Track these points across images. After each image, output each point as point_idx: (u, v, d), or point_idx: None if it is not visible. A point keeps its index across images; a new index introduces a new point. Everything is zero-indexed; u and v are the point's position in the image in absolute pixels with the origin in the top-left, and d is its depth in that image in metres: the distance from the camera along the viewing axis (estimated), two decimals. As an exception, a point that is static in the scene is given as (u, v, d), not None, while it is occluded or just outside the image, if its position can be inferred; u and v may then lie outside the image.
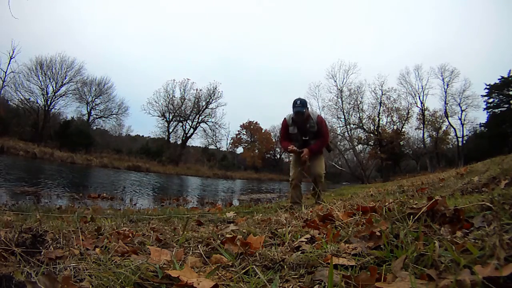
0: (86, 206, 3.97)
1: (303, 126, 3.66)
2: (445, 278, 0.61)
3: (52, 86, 28.01)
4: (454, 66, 29.62)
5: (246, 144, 40.57)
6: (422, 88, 29.38)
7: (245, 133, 40.78)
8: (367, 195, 3.95)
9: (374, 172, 31.59)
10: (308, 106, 3.80)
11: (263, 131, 40.10)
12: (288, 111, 3.81)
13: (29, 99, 27.63)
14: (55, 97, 28.39)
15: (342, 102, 29.00)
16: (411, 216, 1.04)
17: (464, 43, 46.09)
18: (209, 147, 35.50)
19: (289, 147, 3.63)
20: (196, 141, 42.42)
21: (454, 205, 1.12)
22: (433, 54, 43.39)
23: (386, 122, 30.43)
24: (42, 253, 0.94)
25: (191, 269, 0.81)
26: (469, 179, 2.92)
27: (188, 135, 33.05)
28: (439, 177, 5.39)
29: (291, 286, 0.75)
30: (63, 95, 28.86)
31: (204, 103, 32.63)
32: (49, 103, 28.03)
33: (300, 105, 3.52)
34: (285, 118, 3.78)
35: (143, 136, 36.72)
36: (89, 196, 6.85)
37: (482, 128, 28.19)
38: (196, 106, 32.58)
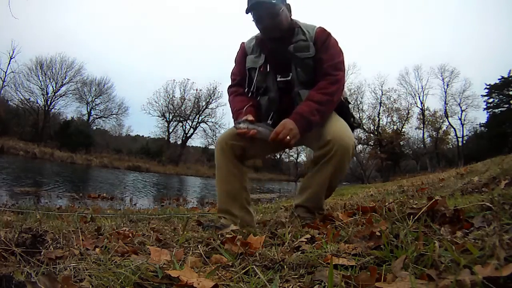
0: (86, 206, 3.97)
1: (281, 50, 1.54)
2: (445, 278, 0.61)
3: (52, 86, 28.12)
4: (454, 66, 29.71)
5: (246, 144, 40.51)
6: (422, 88, 29.47)
7: (245, 133, 40.73)
8: (367, 195, 3.95)
9: (374, 172, 31.61)
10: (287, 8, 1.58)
11: (263, 131, 40.02)
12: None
13: (29, 99, 27.76)
14: (55, 97, 28.50)
15: (342, 102, 28.97)
16: (411, 216, 1.04)
17: (464, 43, 46.12)
18: (209, 147, 35.50)
19: (240, 124, 1.43)
20: (196, 141, 42.53)
21: (454, 205, 1.13)
22: (432, 54, 43.41)
23: (386, 122, 30.49)
24: (42, 253, 0.94)
25: (191, 269, 0.81)
26: (469, 179, 2.92)
27: (188, 135, 33.09)
28: (439, 177, 5.39)
29: (291, 286, 0.75)
30: (63, 95, 29.00)
31: (204, 103, 32.66)
32: (49, 103, 28.12)
33: None
34: (243, 43, 1.72)
35: (143, 136, 36.83)
36: (89, 196, 6.85)
37: (482, 128, 28.24)
38: (196, 106, 32.61)
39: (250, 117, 1.45)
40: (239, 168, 1.59)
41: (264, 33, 1.58)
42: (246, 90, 1.63)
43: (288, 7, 1.58)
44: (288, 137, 1.39)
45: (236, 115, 1.57)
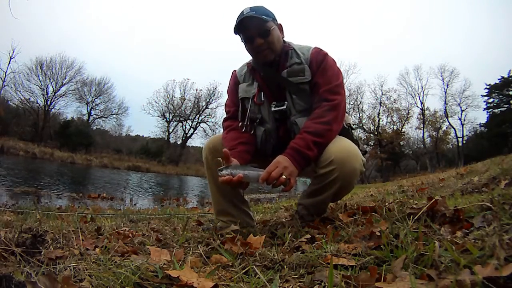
0: (86, 206, 3.97)
1: (274, 76, 1.47)
2: (445, 278, 0.61)
3: (52, 86, 28.16)
4: (454, 66, 29.79)
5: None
6: (422, 88, 29.47)
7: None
8: (367, 195, 3.94)
9: (374, 172, 31.59)
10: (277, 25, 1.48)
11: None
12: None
13: (29, 99, 27.80)
14: (55, 97, 28.54)
15: (342, 102, 28.99)
16: (411, 216, 1.05)
17: (464, 43, 46.16)
18: (209, 147, 35.42)
19: (222, 171, 1.25)
20: (196, 141, 42.49)
21: (454, 205, 1.13)
22: (432, 54, 43.46)
23: (386, 122, 30.51)
24: (42, 253, 0.94)
25: (191, 269, 0.81)
26: (469, 179, 2.92)
27: (188, 135, 33.11)
28: (439, 177, 5.39)
29: (291, 286, 0.75)
30: (63, 95, 29.04)
31: (204, 103, 32.71)
32: (49, 103, 28.15)
33: (252, 12, 1.38)
34: (234, 71, 1.63)
35: (143, 136, 36.87)
36: (89, 196, 6.85)
37: (482, 128, 28.26)
38: (196, 106, 32.64)
39: (235, 161, 1.31)
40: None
41: (255, 55, 1.46)
42: (240, 123, 1.51)
43: (280, 27, 1.48)
44: (283, 176, 1.22)
45: (230, 151, 1.38)
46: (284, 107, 1.44)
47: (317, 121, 1.33)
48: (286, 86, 1.44)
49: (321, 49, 1.48)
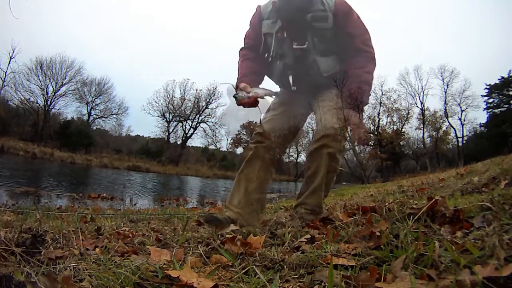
0: (86, 206, 3.97)
1: (298, 18, 1.52)
2: (445, 278, 0.61)
3: (52, 86, 28.09)
4: (454, 66, 29.75)
5: (246, 144, 40.53)
6: (422, 88, 29.43)
7: (245, 133, 40.79)
8: (367, 195, 3.94)
9: (374, 172, 31.58)
10: None
11: (263, 131, 39.95)
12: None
13: (29, 99, 27.72)
14: (55, 97, 28.46)
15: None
16: (411, 216, 1.04)
17: (464, 43, 46.15)
18: (209, 147, 35.51)
19: (238, 95, 1.49)
20: (196, 141, 42.57)
21: (454, 205, 1.13)
22: (432, 54, 43.42)
23: (386, 122, 30.46)
24: (42, 253, 0.94)
25: (191, 269, 0.81)
26: (469, 179, 2.91)
27: (188, 135, 33.07)
28: (439, 177, 5.38)
29: (291, 286, 0.75)
30: (63, 95, 28.96)
31: (204, 103, 32.65)
32: (49, 103, 28.09)
33: None
34: (259, 7, 1.69)
35: (143, 136, 36.77)
36: (89, 196, 6.84)
37: (482, 128, 28.23)
38: (196, 106, 32.59)
39: (248, 88, 1.51)
40: (266, 168, 1.60)
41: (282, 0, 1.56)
42: (266, 55, 1.66)
43: None
44: (360, 134, 1.49)
45: (238, 81, 1.60)
46: (305, 46, 1.56)
47: (363, 70, 1.55)
48: (308, 29, 1.55)
49: (346, 1, 1.60)
